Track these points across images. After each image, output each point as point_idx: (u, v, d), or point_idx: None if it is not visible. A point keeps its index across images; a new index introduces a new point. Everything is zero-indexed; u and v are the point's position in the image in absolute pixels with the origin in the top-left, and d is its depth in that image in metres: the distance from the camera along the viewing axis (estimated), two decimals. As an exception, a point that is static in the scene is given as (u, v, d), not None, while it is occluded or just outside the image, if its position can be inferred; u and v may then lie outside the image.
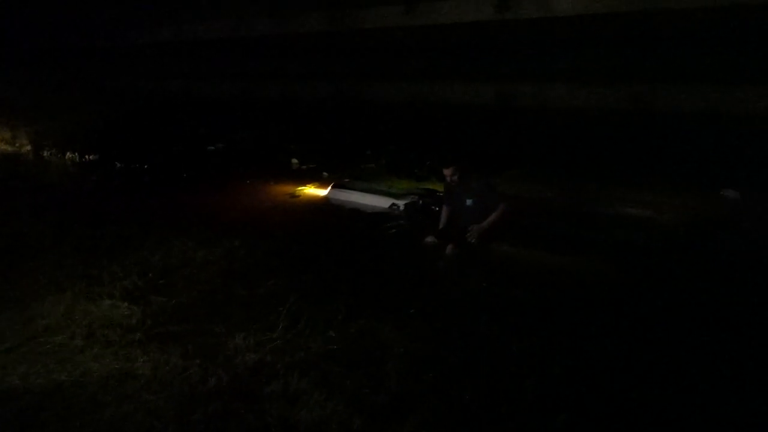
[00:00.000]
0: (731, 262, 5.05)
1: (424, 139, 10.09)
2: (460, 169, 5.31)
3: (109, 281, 4.61)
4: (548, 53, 10.83)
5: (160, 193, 8.33)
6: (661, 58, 9.79)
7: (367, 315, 3.98)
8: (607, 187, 7.36)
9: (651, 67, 9.94)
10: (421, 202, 6.94)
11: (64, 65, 19.84)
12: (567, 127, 9.88)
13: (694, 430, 2.90)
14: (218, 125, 13.10)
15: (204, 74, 17.35)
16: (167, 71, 18.18)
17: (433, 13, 12.68)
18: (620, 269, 4.90)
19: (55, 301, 4.26)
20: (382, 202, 7.02)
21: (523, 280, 4.66)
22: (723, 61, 9.03)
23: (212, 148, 11.70)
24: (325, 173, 8.93)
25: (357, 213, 6.92)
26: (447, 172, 5.34)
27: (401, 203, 6.88)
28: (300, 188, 8.12)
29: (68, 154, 11.73)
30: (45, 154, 12.20)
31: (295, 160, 10.07)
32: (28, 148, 12.89)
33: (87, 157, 11.43)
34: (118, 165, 10.52)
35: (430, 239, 5.52)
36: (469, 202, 5.37)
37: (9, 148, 13.23)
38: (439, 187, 6.85)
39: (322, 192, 7.84)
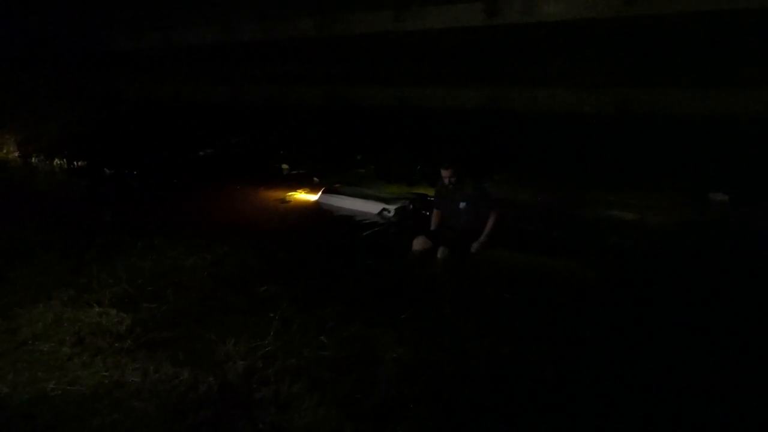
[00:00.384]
0: (719, 264, 5.09)
1: (414, 143, 10.12)
2: (458, 172, 5.32)
3: (98, 288, 4.57)
4: (536, 58, 10.91)
5: (149, 199, 8.29)
6: (647, 63, 9.89)
7: (359, 320, 3.98)
8: (596, 191, 7.40)
9: (638, 71, 10.05)
10: (411, 206, 6.96)
11: (52, 71, 19.68)
12: (555, 130, 9.94)
13: (684, 432, 2.92)
14: (208, 130, 13.05)
15: (193, 79, 17.30)
16: (156, 77, 18.12)
17: (422, 19, 12.76)
18: (610, 272, 4.93)
19: (43, 308, 4.22)
20: (372, 207, 7.03)
21: (513, 283, 4.67)
22: (709, 65, 9.14)
23: (202, 153, 11.65)
24: (315, 178, 8.91)
25: (348, 218, 6.91)
26: (446, 173, 5.33)
27: (392, 208, 6.88)
28: (290, 193, 8.10)
29: (56, 160, 11.64)
30: (33, 160, 12.10)
31: (285, 166, 10.05)
32: (16, 154, 12.77)
33: (75, 163, 11.35)
34: (107, 171, 10.45)
35: (420, 240, 5.52)
36: (462, 205, 5.38)
37: (-4, 155, 13.11)
38: (430, 192, 6.86)
39: (313, 197, 7.83)
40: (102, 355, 3.56)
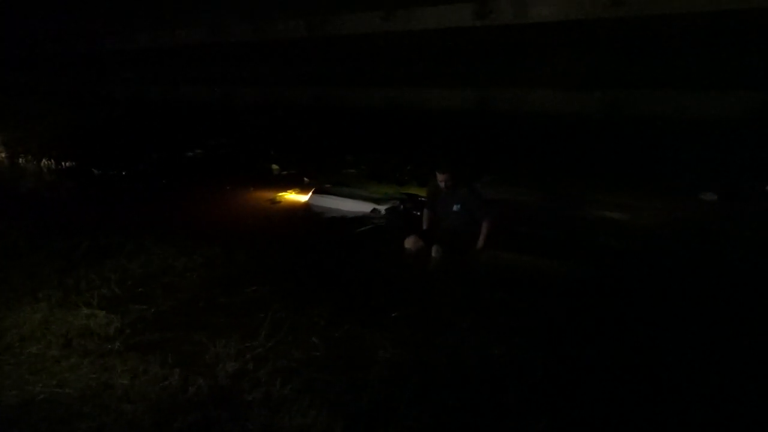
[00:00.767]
0: (710, 264, 5.12)
1: (404, 143, 10.12)
2: (455, 176, 5.31)
3: (86, 289, 4.52)
4: (526, 59, 10.97)
5: (138, 200, 8.22)
6: (637, 65, 9.97)
7: (351, 320, 3.96)
8: (587, 191, 7.43)
9: (627, 72, 10.12)
10: (402, 206, 6.95)
11: (41, 72, 19.54)
12: (545, 131, 9.98)
13: None
14: (197, 131, 12.99)
15: (182, 80, 17.23)
16: (145, 77, 18.02)
17: (412, 20, 12.80)
18: (601, 272, 4.94)
19: (30, 310, 4.17)
20: (363, 207, 7.01)
21: (506, 284, 4.67)
22: (699, 67, 9.22)
23: (191, 154, 11.59)
24: (305, 179, 8.88)
25: (339, 218, 6.89)
26: (441, 177, 5.32)
27: (382, 208, 6.88)
28: (281, 194, 8.07)
29: (44, 161, 11.52)
30: (20, 161, 11.98)
31: (275, 166, 10.01)
32: (3, 155, 12.64)
33: (64, 163, 11.24)
34: (96, 172, 10.36)
35: (412, 239, 5.51)
36: (456, 207, 5.37)
37: (-17, 156, 12.97)
38: (421, 192, 6.85)
39: (303, 198, 7.80)
40: (90, 357, 3.52)
